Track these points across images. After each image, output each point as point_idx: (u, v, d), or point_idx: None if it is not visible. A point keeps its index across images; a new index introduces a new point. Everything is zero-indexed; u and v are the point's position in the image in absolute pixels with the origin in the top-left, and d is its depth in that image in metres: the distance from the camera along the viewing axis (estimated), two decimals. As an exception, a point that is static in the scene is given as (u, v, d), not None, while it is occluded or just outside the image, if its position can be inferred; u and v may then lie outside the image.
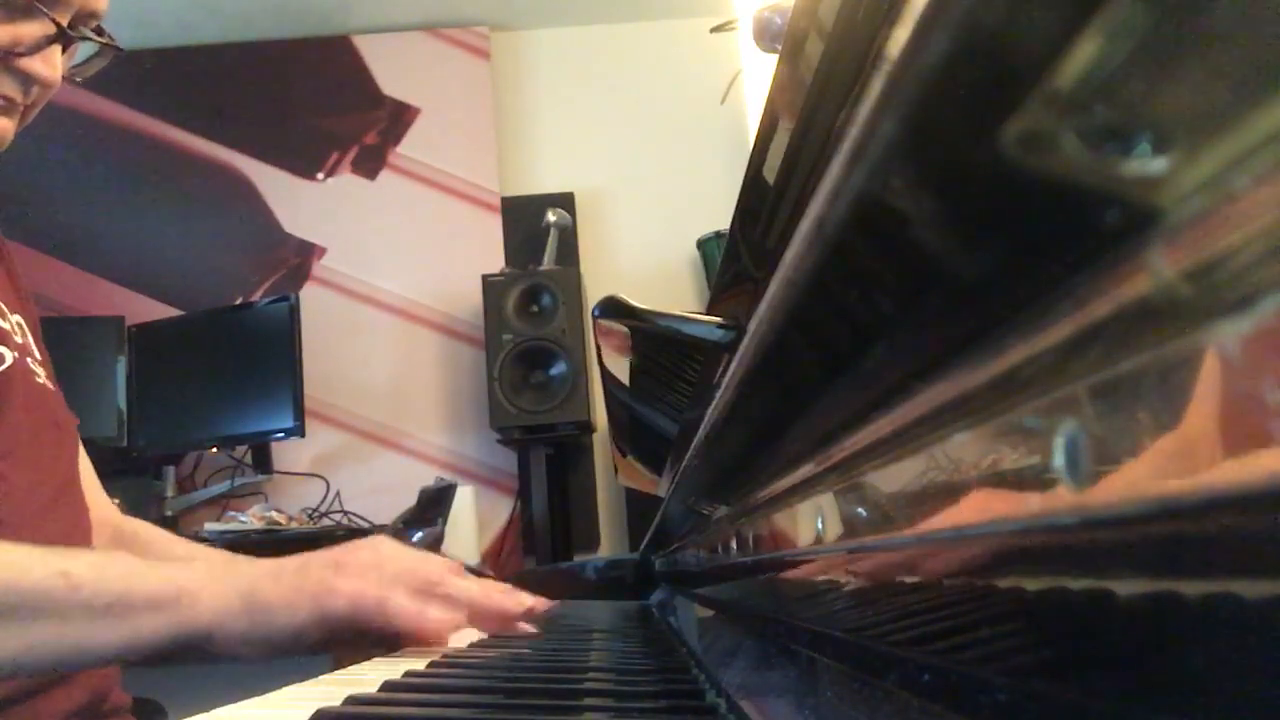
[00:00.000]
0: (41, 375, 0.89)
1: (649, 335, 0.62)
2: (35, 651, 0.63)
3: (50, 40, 0.79)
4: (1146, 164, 0.14)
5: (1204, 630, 0.14)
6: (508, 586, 0.77)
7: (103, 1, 0.83)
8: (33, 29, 0.78)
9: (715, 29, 2.25)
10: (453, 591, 0.71)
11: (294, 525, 2.29)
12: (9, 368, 0.82)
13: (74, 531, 0.87)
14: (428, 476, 2.41)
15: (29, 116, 0.82)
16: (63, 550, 0.67)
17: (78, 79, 0.85)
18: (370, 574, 0.68)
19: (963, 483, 0.21)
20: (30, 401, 0.84)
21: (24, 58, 0.78)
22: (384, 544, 0.73)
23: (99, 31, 0.85)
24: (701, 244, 2.59)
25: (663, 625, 0.96)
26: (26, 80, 0.79)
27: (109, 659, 0.71)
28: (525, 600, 0.75)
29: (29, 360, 0.87)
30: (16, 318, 0.89)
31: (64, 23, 0.79)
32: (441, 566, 0.72)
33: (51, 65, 0.80)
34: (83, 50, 0.85)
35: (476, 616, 0.74)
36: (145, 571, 0.67)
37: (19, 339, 0.87)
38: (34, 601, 0.62)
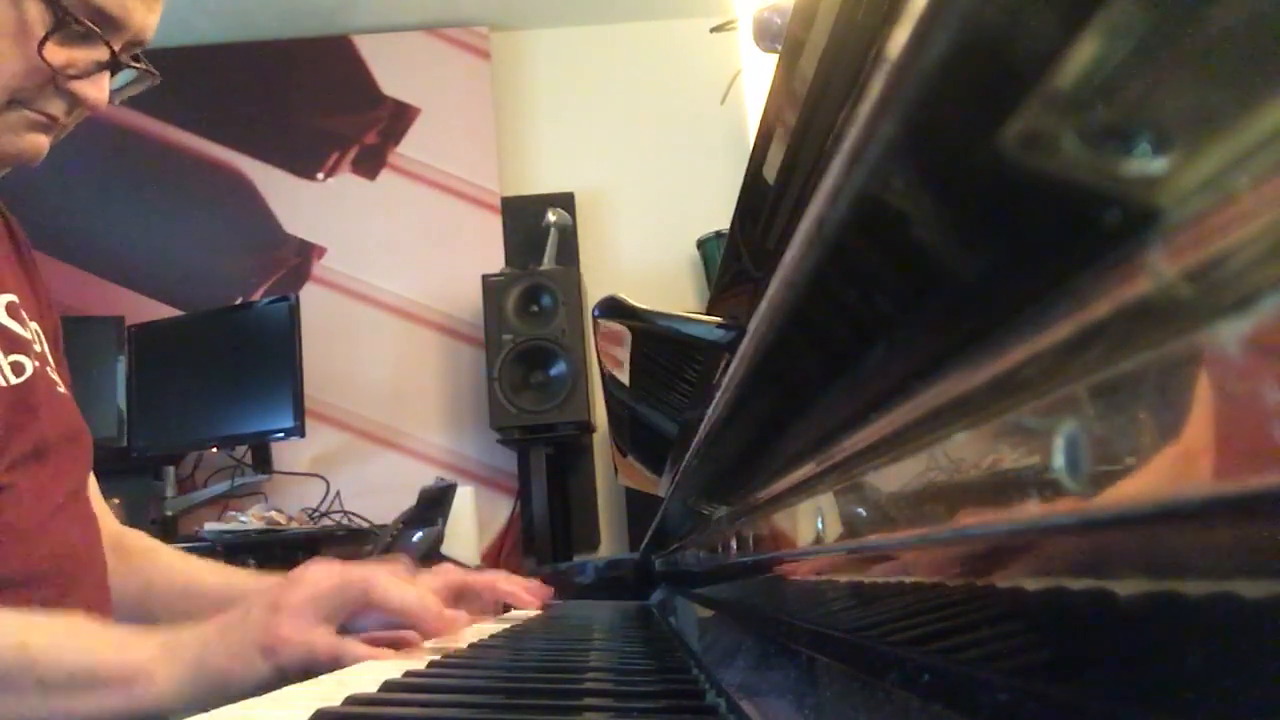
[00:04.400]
0: (60, 385, 0.90)
1: (649, 335, 0.62)
2: None
3: (102, 66, 0.81)
4: (1146, 164, 0.14)
5: (1204, 630, 0.14)
6: (437, 604, 0.75)
7: (150, 31, 0.85)
8: (87, 54, 0.80)
9: (715, 29, 2.25)
10: (386, 601, 0.70)
11: (294, 525, 2.29)
12: (30, 377, 0.83)
13: (81, 535, 0.87)
14: (428, 476, 2.41)
15: (62, 134, 0.84)
16: (26, 619, 0.67)
17: (117, 102, 0.87)
18: (307, 610, 0.67)
19: (963, 483, 0.21)
20: (53, 412, 0.85)
21: (75, 80, 0.80)
22: (315, 570, 0.72)
23: (136, 59, 0.87)
24: (701, 244, 2.60)
25: (663, 625, 0.96)
26: (73, 101, 0.81)
27: None
28: (450, 625, 0.73)
29: (48, 369, 0.88)
30: (35, 325, 0.90)
31: (117, 49, 0.81)
32: (368, 577, 0.70)
33: (101, 89, 0.82)
34: (124, 75, 0.87)
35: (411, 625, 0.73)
36: (103, 649, 0.67)
37: (38, 348, 0.88)
38: None
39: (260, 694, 0.66)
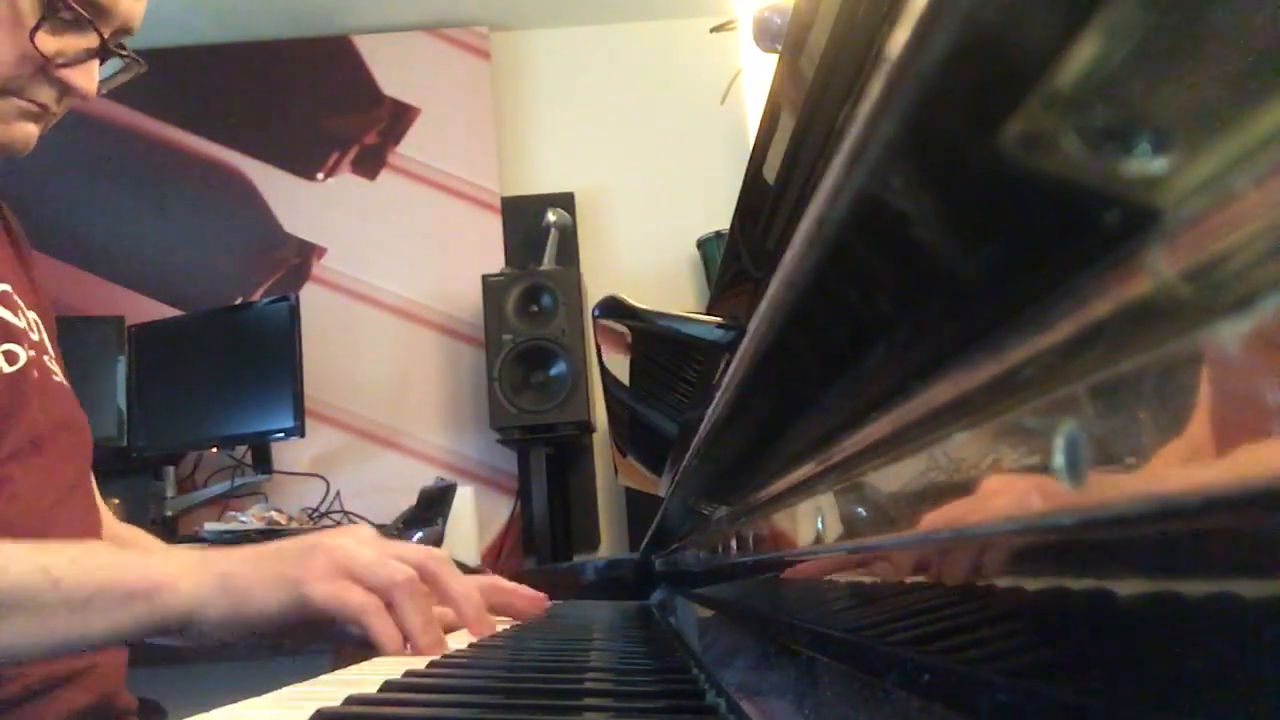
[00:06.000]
0: (59, 374, 0.90)
1: (649, 335, 0.62)
2: (20, 643, 0.65)
3: (91, 54, 0.82)
4: (1146, 164, 0.14)
5: (1204, 630, 0.14)
6: (481, 601, 0.75)
7: (137, 20, 0.85)
8: (77, 41, 0.81)
9: (715, 29, 2.25)
10: (440, 584, 0.71)
11: (294, 525, 2.29)
12: (23, 366, 0.83)
13: (80, 532, 0.87)
14: (428, 476, 2.41)
15: (50, 123, 0.84)
16: (43, 546, 0.68)
17: (103, 91, 0.87)
18: (346, 561, 0.68)
19: (962, 483, 0.21)
20: (47, 401, 0.85)
21: (65, 68, 0.80)
22: (363, 531, 0.73)
23: (122, 48, 0.87)
24: (701, 244, 2.59)
25: (663, 625, 0.96)
26: (63, 89, 0.81)
27: (93, 648, 0.74)
28: (489, 628, 0.75)
29: (45, 358, 0.88)
30: (33, 314, 0.90)
31: (106, 36, 0.81)
32: (417, 564, 0.71)
33: (90, 77, 0.83)
34: (110, 64, 0.87)
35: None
36: (123, 563, 0.68)
37: (35, 336, 0.87)
38: (15, 597, 0.64)
39: (275, 632, 0.67)
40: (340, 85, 2.80)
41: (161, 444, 2.49)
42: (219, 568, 0.68)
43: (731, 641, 0.56)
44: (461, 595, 0.72)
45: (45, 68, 0.79)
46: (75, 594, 0.65)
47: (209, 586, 0.66)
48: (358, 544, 0.70)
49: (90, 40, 0.81)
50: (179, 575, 0.67)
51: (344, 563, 0.67)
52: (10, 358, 0.82)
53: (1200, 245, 0.13)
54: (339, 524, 2.39)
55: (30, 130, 0.82)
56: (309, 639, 0.68)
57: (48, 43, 0.79)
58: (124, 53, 0.87)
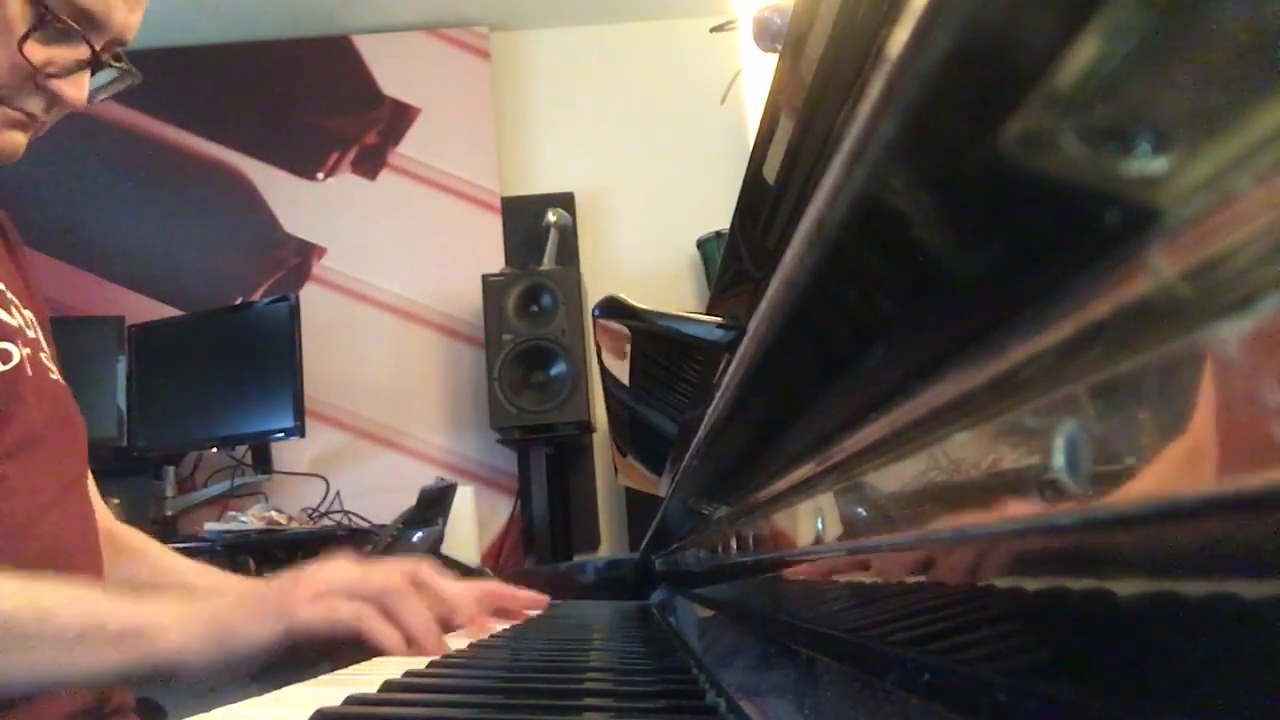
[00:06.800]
0: (54, 371, 0.90)
1: (649, 335, 0.62)
2: (7, 677, 0.65)
3: (82, 65, 0.81)
4: (1146, 164, 0.14)
5: (1204, 630, 0.14)
6: (498, 587, 0.78)
7: (132, 31, 0.85)
8: (67, 52, 0.80)
9: (715, 29, 2.25)
10: (435, 587, 0.72)
11: (294, 525, 2.29)
12: (17, 365, 0.82)
13: (77, 530, 0.87)
14: (428, 476, 2.41)
15: (40, 131, 0.84)
16: (36, 580, 0.69)
17: (96, 100, 0.87)
18: (332, 584, 0.69)
19: (962, 483, 0.21)
20: (43, 399, 0.85)
21: (55, 78, 0.80)
22: (343, 560, 0.75)
23: (117, 58, 0.87)
24: (701, 244, 2.59)
25: (663, 625, 0.96)
26: (52, 99, 0.81)
27: (77, 686, 0.74)
28: (483, 627, 0.77)
29: (41, 356, 0.87)
30: (28, 313, 0.90)
31: (98, 48, 0.81)
32: (405, 574, 0.72)
33: (80, 88, 0.82)
34: (103, 74, 0.87)
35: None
36: (114, 605, 0.68)
37: (30, 334, 0.87)
38: (5, 630, 0.64)
39: (268, 660, 0.68)
40: (340, 85, 2.80)
41: (161, 444, 2.49)
42: (207, 612, 0.69)
43: (731, 641, 0.56)
44: (455, 595, 0.73)
45: (34, 77, 0.79)
46: (66, 632, 0.65)
47: (197, 630, 0.67)
48: (339, 570, 0.72)
49: (81, 51, 0.81)
50: (169, 619, 0.68)
51: (329, 584, 0.69)
52: (4, 356, 0.82)
53: (1200, 245, 0.13)
54: (339, 524, 2.39)
55: (18, 139, 0.82)
56: (303, 662, 0.69)
57: (37, 52, 0.78)
58: (117, 64, 0.86)
